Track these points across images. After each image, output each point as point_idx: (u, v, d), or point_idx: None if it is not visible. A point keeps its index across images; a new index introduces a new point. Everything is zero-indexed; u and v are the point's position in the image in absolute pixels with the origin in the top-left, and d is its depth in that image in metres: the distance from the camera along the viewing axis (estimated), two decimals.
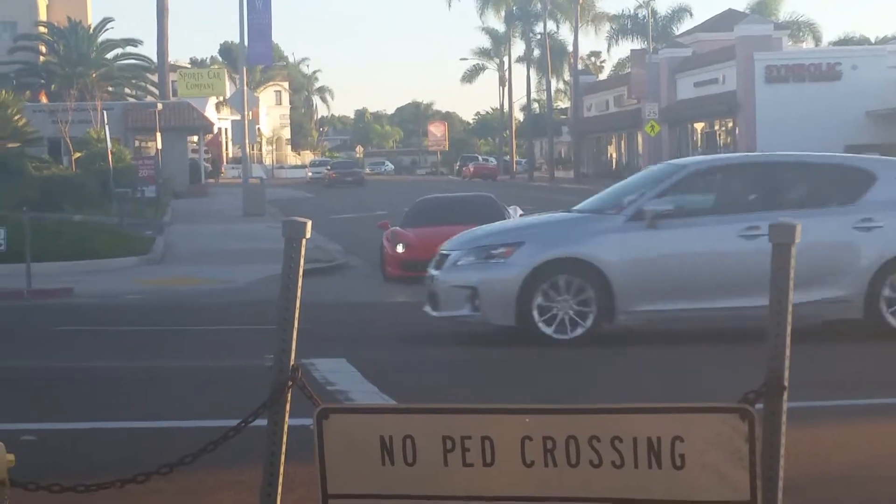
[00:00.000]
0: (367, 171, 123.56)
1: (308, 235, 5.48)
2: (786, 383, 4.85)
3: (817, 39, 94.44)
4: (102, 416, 11.52)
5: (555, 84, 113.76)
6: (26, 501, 6.44)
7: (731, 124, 79.62)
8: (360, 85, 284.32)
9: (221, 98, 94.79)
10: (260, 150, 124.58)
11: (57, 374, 14.06)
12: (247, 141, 54.27)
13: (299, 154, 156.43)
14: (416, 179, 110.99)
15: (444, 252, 16.32)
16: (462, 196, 30.43)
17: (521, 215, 26.51)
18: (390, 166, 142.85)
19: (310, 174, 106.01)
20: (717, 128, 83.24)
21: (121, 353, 15.88)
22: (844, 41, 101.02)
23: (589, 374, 13.39)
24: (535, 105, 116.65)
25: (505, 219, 25.45)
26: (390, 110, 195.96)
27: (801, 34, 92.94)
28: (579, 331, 15.27)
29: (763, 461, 4.74)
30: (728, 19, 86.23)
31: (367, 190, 79.68)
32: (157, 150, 62.21)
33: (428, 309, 16.24)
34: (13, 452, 5.23)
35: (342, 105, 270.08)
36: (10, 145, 47.26)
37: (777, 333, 4.87)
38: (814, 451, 9.09)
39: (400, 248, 24.80)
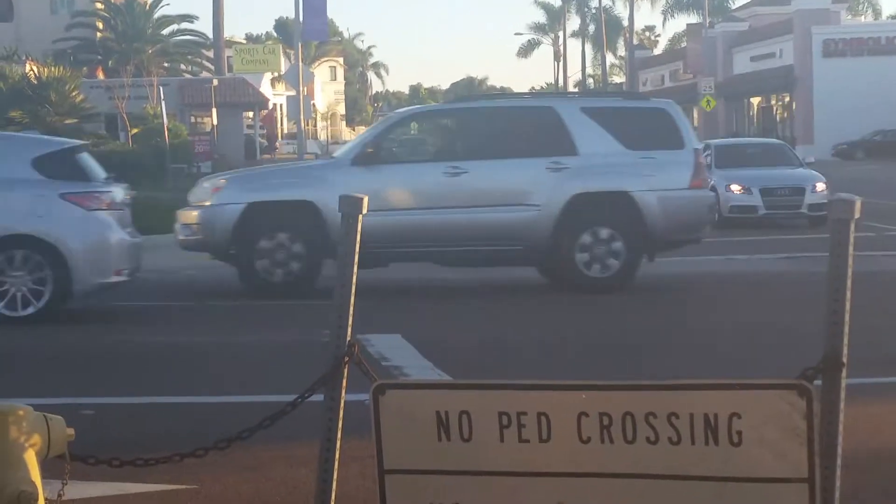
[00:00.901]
0: None
1: (365, 211, 5.48)
2: (844, 360, 4.81)
3: (877, 13, 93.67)
4: (159, 390, 11.60)
5: (610, 59, 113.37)
6: (86, 475, 6.50)
7: (787, 99, 79.10)
8: (414, 60, 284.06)
9: (276, 74, 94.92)
10: (315, 125, 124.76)
11: (114, 348, 14.16)
12: (302, 117, 54.31)
13: (354, 130, 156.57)
14: None
15: None
16: None
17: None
18: None
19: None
20: (773, 102, 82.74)
21: (177, 328, 15.97)
22: None
23: (647, 350, 13.35)
24: (590, 80, 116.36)
25: None
26: (445, 85, 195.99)
27: (859, 7, 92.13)
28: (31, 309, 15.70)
29: (821, 438, 4.71)
30: None
31: None
32: (212, 125, 62.45)
33: None
34: (72, 426, 5.27)
35: (397, 80, 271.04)
36: (67, 121, 47.60)
37: (835, 310, 4.84)
38: (872, 429, 9.03)
39: None
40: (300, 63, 53.85)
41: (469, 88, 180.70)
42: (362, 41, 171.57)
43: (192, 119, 69.69)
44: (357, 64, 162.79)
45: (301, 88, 52.83)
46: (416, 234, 18.51)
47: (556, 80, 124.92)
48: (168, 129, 48.56)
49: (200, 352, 13.85)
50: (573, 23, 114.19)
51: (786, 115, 79.54)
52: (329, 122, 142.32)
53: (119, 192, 17.03)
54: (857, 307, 5.21)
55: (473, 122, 19.40)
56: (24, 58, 62.99)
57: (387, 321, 15.08)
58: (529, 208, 18.37)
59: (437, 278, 21.51)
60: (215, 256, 19.90)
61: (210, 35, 77.58)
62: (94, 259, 15.96)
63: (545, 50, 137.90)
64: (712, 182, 28.65)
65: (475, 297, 18.58)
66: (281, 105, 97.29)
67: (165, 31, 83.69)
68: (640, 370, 11.80)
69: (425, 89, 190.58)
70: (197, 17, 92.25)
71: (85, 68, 72.06)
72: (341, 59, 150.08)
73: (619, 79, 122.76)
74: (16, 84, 48.10)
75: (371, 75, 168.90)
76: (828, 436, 4.77)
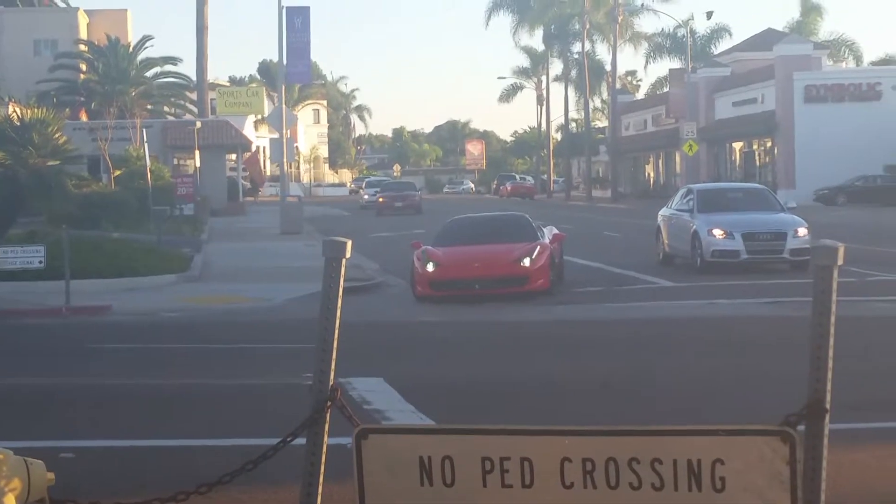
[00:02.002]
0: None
1: (348, 255, 5.46)
2: (828, 406, 4.80)
3: (858, 59, 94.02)
4: (140, 433, 11.55)
5: (592, 103, 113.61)
6: None
7: (769, 144, 79.37)
8: (397, 104, 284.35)
9: (260, 116, 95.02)
10: (298, 168, 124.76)
11: (95, 391, 14.10)
12: (285, 159, 54.33)
13: (337, 172, 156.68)
14: (452, 198, 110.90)
15: None
16: (495, 215, 30.04)
17: (554, 234, 26.37)
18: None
19: (366, 197, 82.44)
20: (755, 147, 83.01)
21: (159, 370, 15.91)
22: (885, 61, 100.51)
23: (630, 395, 13.33)
24: (573, 124, 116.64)
25: (538, 238, 25.34)
26: (428, 129, 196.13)
27: (841, 54, 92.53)
28: None
29: (804, 484, 4.70)
30: (767, 39, 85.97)
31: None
32: (195, 167, 62.42)
33: None
34: (52, 470, 5.24)
35: (380, 123, 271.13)
36: (50, 163, 47.43)
37: (819, 356, 4.83)
38: (855, 475, 9.02)
39: (430, 267, 24.43)
40: (283, 106, 53.92)
41: (452, 132, 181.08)
42: (346, 84, 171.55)
43: (175, 161, 69.60)
44: (340, 107, 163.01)
45: (284, 131, 52.87)
46: None
47: (539, 124, 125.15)
48: (151, 171, 48.51)
49: (181, 395, 13.79)
50: (556, 67, 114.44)
51: (767, 159, 79.78)
52: (312, 165, 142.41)
53: None
54: (840, 353, 5.21)
55: None
56: (6, 99, 63.00)
57: (369, 364, 15.05)
58: None
59: (418, 321, 21.51)
60: None
61: (194, 77, 77.66)
62: None
63: (528, 94, 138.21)
64: (694, 227, 28.79)
65: (456, 340, 18.55)
66: (264, 147, 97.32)
67: (149, 74, 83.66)
68: (624, 415, 11.78)
69: (408, 132, 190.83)
70: (181, 60, 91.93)
71: (68, 110, 71.99)
72: (325, 102, 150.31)
73: (601, 123, 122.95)
74: None
75: (354, 118, 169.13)
76: (811, 482, 4.76)
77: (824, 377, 4.82)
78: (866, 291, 22.74)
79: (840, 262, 4.85)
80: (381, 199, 73.49)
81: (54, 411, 12.83)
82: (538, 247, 24.54)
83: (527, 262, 24.15)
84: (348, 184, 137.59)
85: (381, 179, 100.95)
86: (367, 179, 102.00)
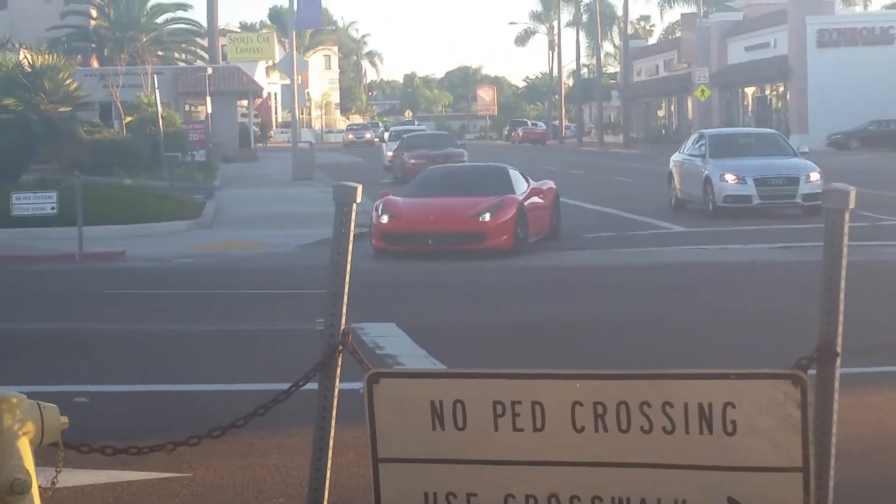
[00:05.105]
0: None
1: (359, 200, 5.46)
2: (839, 349, 4.81)
3: (866, 3, 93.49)
4: (153, 378, 11.60)
5: (604, 48, 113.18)
6: (79, 463, 6.49)
7: (782, 89, 79.04)
8: (409, 49, 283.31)
9: (271, 62, 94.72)
10: (309, 114, 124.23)
11: (109, 336, 14.15)
12: (296, 105, 54.25)
13: (348, 118, 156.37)
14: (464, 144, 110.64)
15: None
16: (474, 166, 28.85)
17: (550, 188, 25.15)
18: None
19: (389, 154, 54.38)
20: (768, 92, 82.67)
21: (172, 316, 15.96)
22: None
23: (640, 339, 13.35)
24: (585, 69, 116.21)
25: (514, 192, 23.51)
26: (439, 74, 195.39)
27: None
28: None
29: (815, 428, 4.70)
30: None
31: None
32: (206, 114, 62.30)
33: None
34: (66, 414, 5.26)
35: (391, 69, 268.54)
36: (61, 109, 47.36)
37: (830, 299, 4.83)
38: (867, 418, 9.04)
39: (384, 219, 22.73)
40: (294, 51, 53.77)
41: (463, 78, 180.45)
42: (356, 30, 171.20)
43: (187, 107, 69.48)
44: (351, 52, 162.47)
45: (295, 77, 52.75)
46: None
47: (551, 70, 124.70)
48: (162, 118, 48.37)
49: (194, 340, 13.84)
50: (568, 12, 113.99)
51: (780, 104, 79.53)
52: (323, 111, 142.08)
53: None
54: (852, 296, 5.21)
55: None
56: (17, 46, 62.83)
57: (382, 310, 15.08)
58: None
59: (430, 267, 21.53)
60: None
61: (204, 23, 77.48)
62: None
63: (540, 39, 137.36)
64: (706, 172, 28.72)
65: (468, 286, 18.57)
66: (275, 94, 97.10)
67: (160, 20, 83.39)
68: (635, 358, 11.80)
69: (419, 78, 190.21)
70: (191, 6, 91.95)
71: (79, 56, 71.85)
72: (336, 48, 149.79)
73: (613, 68, 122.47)
74: (9, 72, 47.87)
75: (365, 64, 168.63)
76: (822, 425, 4.77)
77: (835, 321, 4.81)
78: (878, 236, 22.71)
79: (852, 205, 4.84)
80: (412, 162, 46.14)
81: (68, 357, 12.89)
82: (503, 201, 22.81)
83: (486, 217, 22.48)
84: (344, 130, 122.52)
85: (407, 128, 72.31)
86: (392, 128, 72.20)
